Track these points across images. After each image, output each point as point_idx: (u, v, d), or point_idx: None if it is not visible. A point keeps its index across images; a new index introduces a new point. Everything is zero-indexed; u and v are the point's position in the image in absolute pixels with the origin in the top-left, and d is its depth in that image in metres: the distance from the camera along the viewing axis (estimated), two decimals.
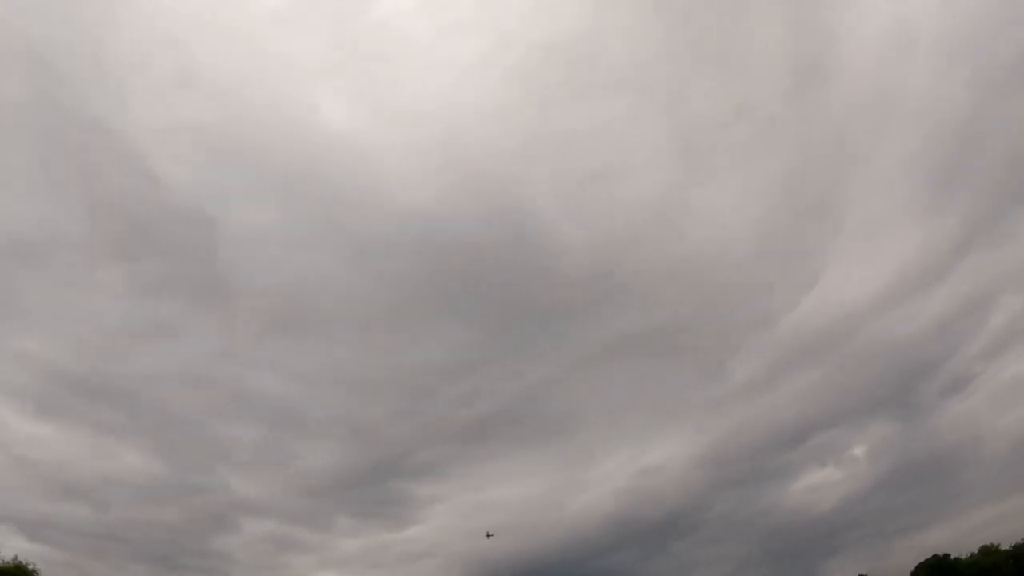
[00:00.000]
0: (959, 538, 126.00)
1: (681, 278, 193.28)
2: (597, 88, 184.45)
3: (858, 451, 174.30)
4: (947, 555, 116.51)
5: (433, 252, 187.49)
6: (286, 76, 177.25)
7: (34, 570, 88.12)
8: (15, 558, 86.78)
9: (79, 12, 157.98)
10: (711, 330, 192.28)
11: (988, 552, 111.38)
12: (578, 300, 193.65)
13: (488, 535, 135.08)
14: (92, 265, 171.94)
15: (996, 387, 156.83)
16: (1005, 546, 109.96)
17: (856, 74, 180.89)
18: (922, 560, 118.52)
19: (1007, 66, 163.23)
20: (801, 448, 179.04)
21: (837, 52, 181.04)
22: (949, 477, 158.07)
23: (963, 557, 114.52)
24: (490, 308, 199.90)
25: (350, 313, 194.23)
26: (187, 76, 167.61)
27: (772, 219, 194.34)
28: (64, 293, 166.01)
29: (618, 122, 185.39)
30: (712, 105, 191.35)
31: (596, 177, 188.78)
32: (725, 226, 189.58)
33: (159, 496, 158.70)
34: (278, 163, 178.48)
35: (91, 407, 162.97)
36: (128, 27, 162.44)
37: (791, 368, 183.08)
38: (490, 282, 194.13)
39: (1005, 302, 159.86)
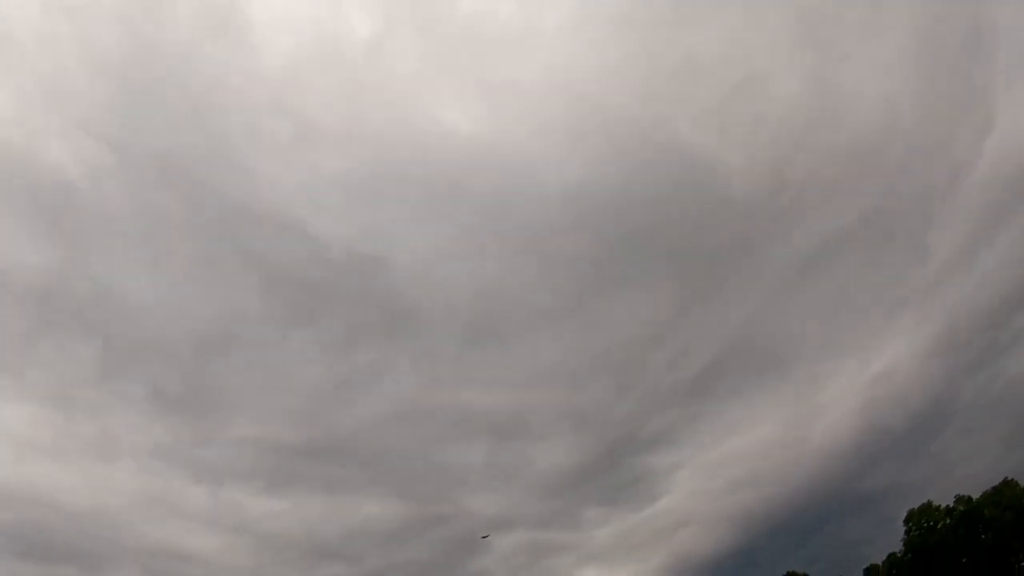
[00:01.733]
0: None
1: (851, 168, 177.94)
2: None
3: None
4: None
5: (596, 225, 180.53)
6: (398, 99, 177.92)
7: None
8: None
9: (196, 114, 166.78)
10: (899, 212, 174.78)
11: None
12: (755, 226, 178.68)
13: (484, 536, 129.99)
14: (280, 337, 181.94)
15: None
16: None
17: None
18: None
19: None
20: None
21: None
22: None
23: None
24: (670, 263, 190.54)
25: (538, 308, 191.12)
26: (305, 131, 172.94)
27: (923, 76, 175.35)
28: (260, 371, 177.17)
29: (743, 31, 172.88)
30: None
31: (737, 92, 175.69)
32: (878, 98, 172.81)
33: (405, 536, 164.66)
34: (420, 183, 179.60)
35: (318, 469, 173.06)
36: (240, 106, 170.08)
37: (995, 224, 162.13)
38: (662, 238, 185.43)
39: None
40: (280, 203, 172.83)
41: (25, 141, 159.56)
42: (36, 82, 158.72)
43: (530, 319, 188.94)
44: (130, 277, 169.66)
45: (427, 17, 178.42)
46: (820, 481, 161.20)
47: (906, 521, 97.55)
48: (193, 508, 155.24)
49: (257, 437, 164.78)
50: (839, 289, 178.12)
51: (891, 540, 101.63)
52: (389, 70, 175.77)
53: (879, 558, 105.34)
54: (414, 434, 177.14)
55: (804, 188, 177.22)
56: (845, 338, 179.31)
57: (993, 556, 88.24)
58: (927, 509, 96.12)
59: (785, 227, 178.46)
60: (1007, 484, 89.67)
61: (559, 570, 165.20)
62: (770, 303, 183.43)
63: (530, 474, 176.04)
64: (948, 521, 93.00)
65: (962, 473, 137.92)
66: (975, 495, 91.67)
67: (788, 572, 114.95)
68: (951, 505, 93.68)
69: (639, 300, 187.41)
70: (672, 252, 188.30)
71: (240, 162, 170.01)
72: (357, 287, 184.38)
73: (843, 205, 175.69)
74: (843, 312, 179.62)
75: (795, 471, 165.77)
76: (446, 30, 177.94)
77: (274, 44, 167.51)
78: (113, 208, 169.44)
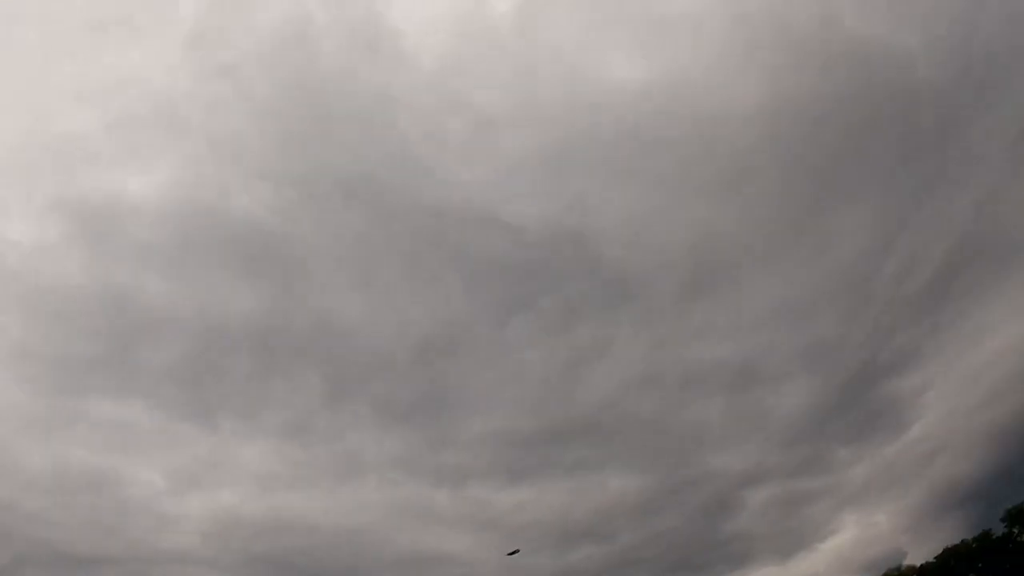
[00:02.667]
0: None
1: None
2: None
3: None
4: None
5: (790, 147, 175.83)
6: (561, 67, 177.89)
7: None
8: None
9: (368, 134, 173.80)
10: None
11: None
12: (954, 110, 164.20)
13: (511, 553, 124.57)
14: (498, 329, 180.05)
15: None
16: None
17: None
18: None
19: None
20: None
21: None
22: None
23: None
24: (874, 170, 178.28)
25: (749, 248, 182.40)
26: (478, 122, 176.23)
27: None
28: (484, 366, 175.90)
29: None
30: None
31: None
32: None
33: (655, 506, 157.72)
34: (605, 145, 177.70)
35: (558, 453, 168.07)
36: (410, 115, 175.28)
37: None
38: (857, 144, 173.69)
39: None
40: (470, 198, 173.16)
41: (214, 199, 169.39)
42: (208, 142, 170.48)
43: (744, 261, 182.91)
44: (341, 301, 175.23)
45: None
46: None
47: None
48: (440, 512, 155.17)
49: (492, 432, 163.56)
50: None
51: None
52: (545, 41, 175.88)
53: None
54: (648, 401, 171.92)
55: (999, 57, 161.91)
56: None
57: None
58: None
59: (988, 104, 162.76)
60: None
61: (817, 518, 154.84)
62: (994, 189, 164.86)
63: (771, 423, 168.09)
64: None
65: None
66: None
67: None
68: None
69: (850, 218, 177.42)
70: (872, 157, 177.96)
71: (421, 167, 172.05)
72: (564, 264, 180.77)
73: None
74: None
75: None
76: None
77: (425, 46, 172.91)
78: (310, 240, 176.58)
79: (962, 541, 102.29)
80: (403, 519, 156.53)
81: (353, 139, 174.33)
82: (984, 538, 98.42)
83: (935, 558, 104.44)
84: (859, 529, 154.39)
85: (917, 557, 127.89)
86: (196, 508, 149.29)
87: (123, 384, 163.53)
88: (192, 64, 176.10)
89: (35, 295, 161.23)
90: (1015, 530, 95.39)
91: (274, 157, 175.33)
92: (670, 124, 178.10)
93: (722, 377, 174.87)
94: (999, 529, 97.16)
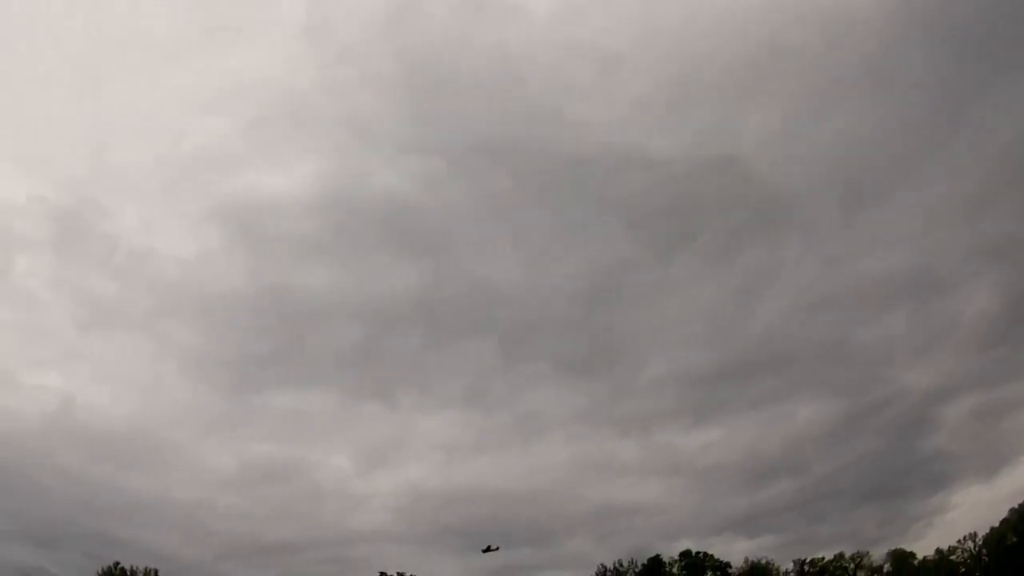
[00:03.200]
0: None
1: None
2: None
3: None
4: None
5: (927, 30, 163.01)
6: None
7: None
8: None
9: (495, 92, 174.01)
10: None
11: None
12: None
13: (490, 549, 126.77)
14: (661, 268, 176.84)
15: None
16: None
17: None
18: None
19: None
20: None
21: None
22: None
23: None
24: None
25: (902, 148, 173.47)
26: (600, 59, 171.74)
27: None
28: (653, 308, 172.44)
29: None
30: None
31: None
32: None
33: (846, 432, 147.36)
34: (738, 67, 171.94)
35: (740, 388, 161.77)
36: (534, 67, 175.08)
37: None
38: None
39: None
40: (608, 140, 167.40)
41: (357, 182, 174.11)
42: (342, 128, 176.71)
43: (900, 161, 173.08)
44: (499, 263, 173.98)
45: None
46: None
47: None
48: (627, 461, 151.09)
49: (669, 374, 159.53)
50: None
51: None
52: None
53: None
54: (825, 323, 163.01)
55: None
56: None
57: None
58: None
59: None
60: None
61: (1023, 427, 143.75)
62: None
63: (959, 329, 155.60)
64: None
65: None
66: None
67: None
68: None
69: (1013, 90, 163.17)
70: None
71: (552, 117, 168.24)
72: (716, 192, 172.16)
73: None
74: None
75: None
76: None
77: None
78: (457, 207, 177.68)
79: None
80: (589, 473, 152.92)
81: (481, 100, 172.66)
82: None
83: None
84: None
85: None
86: (384, 486, 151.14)
87: (299, 375, 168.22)
88: (311, 55, 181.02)
89: (203, 303, 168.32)
90: None
91: (408, 131, 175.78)
92: (798, 30, 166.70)
93: (900, 287, 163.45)
94: None
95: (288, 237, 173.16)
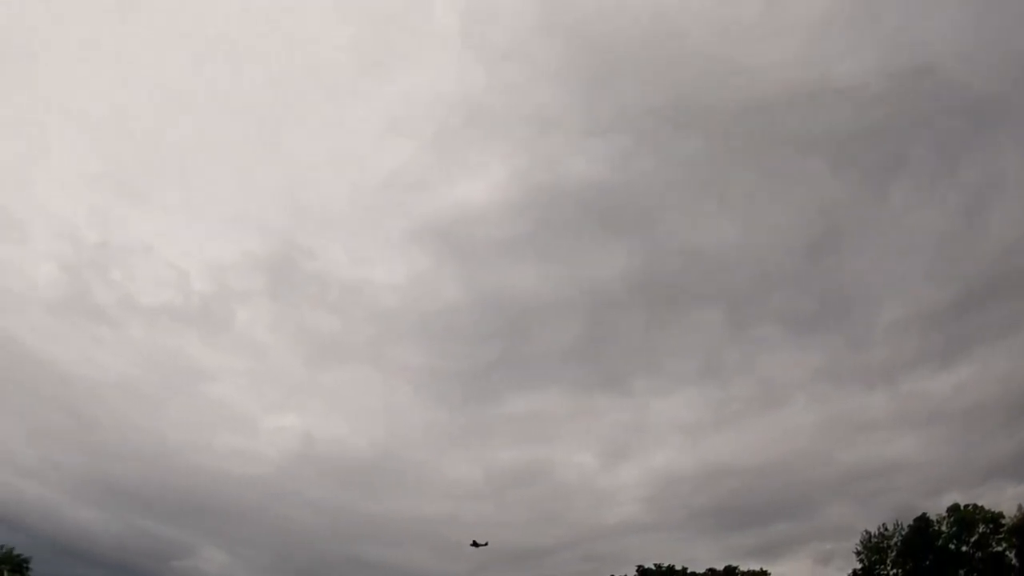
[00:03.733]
0: None
1: None
2: None
3: None
4: None
5: None
6: None
7: None
8: None
9: None
10: None
11: None
12: None
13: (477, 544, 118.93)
14: (878, 202, 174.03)
15: None
16: None
17: None
18: None
19: None
20: None
21: None
22: None
23: None
24: None
25: None
26: None
27: None
28: (875, 245, 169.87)
29: None
30: None
31: None
32: None
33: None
34: None
35: (980, 317, 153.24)
36: None
37: None
38: None
39: None
40: (787, 78, 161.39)
41: (549, 173, 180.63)
42: (522, 124, 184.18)
43: None
44: (709, 229, 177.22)
45: None
46: None
47: None
48: (876, 416, 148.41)
49: (907, 315, 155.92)
50: None
51: None
52: None
53: None
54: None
55: None
56: None
57: None
58: None
59: None
60: None
61: None
62: None
63: None
64: None
65: None
66: None
67: None
68: None
69: None
70: None
71: (727, 63, 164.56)
72: (919, 107, 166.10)
73: None
74: None
75: None
76: None
77: None
78: (652, 181, 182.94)
79: None
80: (838, 434, 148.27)
81: (649, 65, 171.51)
82: None
83: None
84: None
85: None
86: (630, 477, 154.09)
87: (528, 376, 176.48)
88: (476, 61, 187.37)
89: (423, 322, 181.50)
90: None
91: (587, 113, 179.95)
92: None
93: None
94: None
95: (493, 242, 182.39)
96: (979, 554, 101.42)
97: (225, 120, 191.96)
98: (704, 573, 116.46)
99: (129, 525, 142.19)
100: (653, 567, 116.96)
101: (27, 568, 79.54)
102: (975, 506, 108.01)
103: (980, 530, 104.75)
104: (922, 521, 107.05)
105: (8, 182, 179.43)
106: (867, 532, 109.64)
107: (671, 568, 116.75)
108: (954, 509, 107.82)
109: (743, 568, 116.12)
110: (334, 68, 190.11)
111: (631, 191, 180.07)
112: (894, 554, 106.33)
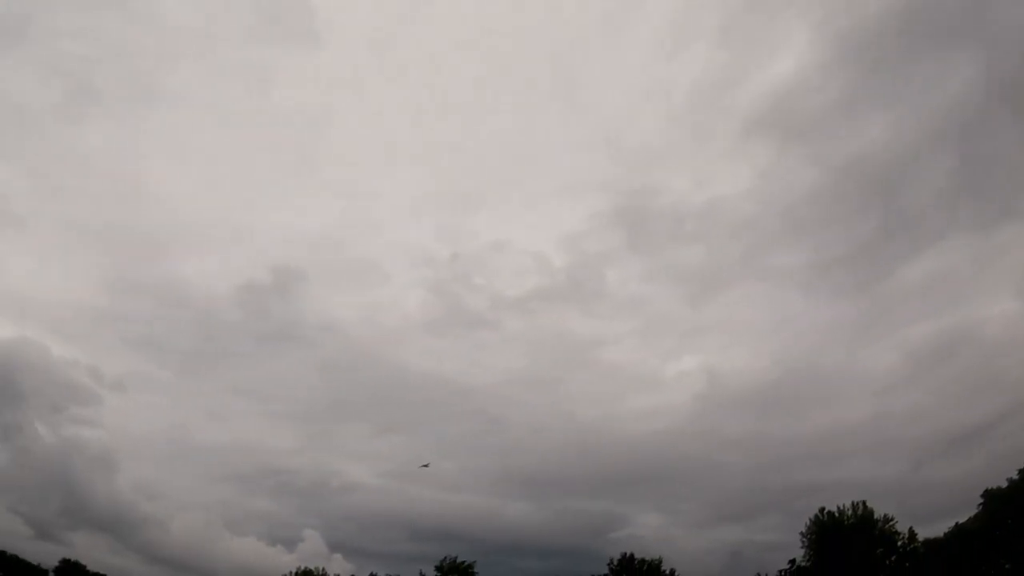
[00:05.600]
0: None
1: None
2: None
3: None
4: None
5: None
6: None
7: None
8: None
9: None
10: None
11: None
12: None
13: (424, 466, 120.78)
14: None
15: None
16: None
17: None
18: None
19: None
20: None
21: None
22: None
23: None
24: None
25: None
26: None
27: None
28: None
29: None
30: None
31: None
32: None
33: None
34: None
35: None
36: None
37: None
38: None
39: None
40: None
41: None
42: None
43: None
44: None
45: None
46: None
47: None
48: None
49: None
50: None
51: None
52: None
53: None
54: None
55: None
56: None
57: None
58: None
59: None
60: None
61: None
62: None
63: None
64: None
65: None
66: None
67: None
68: None
69: None
70: None
71: None
72: None
73: None
74: None
75: None
76: None
77: None
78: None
79: None
80: None
81: None
82: None
83: None
84: None
85: None
86: None
87: (913, 238, 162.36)
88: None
89: (785, 217, 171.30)
90: None
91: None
92: None
93: None
94: None
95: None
96: None
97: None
98: None
99: (556, 510, 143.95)
100: None
101: (473, 572, 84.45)
102: None
103: None
104: None
105: (355, 236, 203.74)
106: None
107: None
108: None
109: None
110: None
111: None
112: None
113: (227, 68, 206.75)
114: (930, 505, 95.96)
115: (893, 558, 64.47)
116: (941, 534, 62.98)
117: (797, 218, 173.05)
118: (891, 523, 66.16)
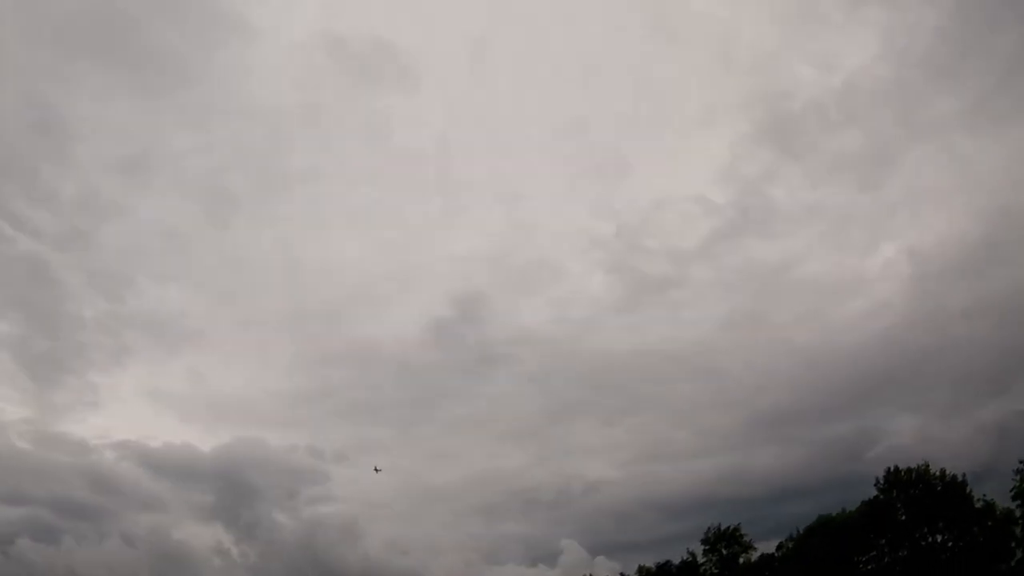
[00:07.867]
0: None
1: None
2: None
3: None
4: None
5: None
6: None
7: None
8: None
9: None
10: None
11: None
12: None
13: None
14: None
15: None
16: None
17: None
18: None
19: None
20: None
21: None
22: None
23: None
24: None
25: None
26: None
27: None
28: None
29: None
30: None
31: None
32: None
33: None
34: None
35: None
36: None
37: None
38: None
39: None
40: None
41: None
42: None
43: None
44: None
45: None
46: None
47: None
48: None
49: None
50: None
51: None
52: None
53: None
54: None
55: None
56: None
57: None
58: None
59: None
60: None
61: None
62: None
63: None
64: None
65: None
66: None
67: None
68: None
69: None
70: None
71: None
72: None
73: None
74: None
75: None
76: None
77: None
78: None
79: None
80: None
81: None
82: None
83: None
84: None
85: None
86: None
87: None
88: None
89: None
90: None
91: None
92: None
93: None
94: None
95: None
96: None
97: None
98: None
99: (804, 446, 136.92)
100: None
101: (741, 535, 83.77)
102: None
103: None
104: None
105: (517, 241, 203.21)
106: None
107: None
108: None
109: None
110: None
111: None
112: None
113: (339, 126, 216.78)
114: None
115: None
116: None
117: (939, 64, 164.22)
118: None
